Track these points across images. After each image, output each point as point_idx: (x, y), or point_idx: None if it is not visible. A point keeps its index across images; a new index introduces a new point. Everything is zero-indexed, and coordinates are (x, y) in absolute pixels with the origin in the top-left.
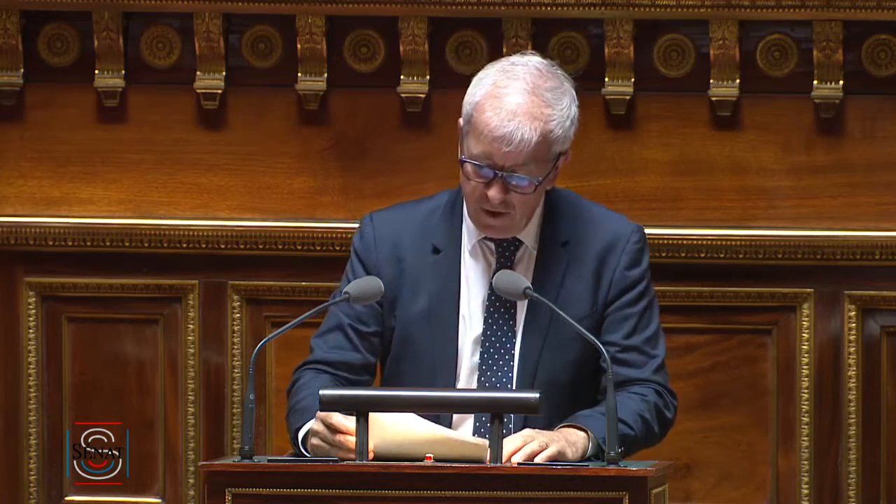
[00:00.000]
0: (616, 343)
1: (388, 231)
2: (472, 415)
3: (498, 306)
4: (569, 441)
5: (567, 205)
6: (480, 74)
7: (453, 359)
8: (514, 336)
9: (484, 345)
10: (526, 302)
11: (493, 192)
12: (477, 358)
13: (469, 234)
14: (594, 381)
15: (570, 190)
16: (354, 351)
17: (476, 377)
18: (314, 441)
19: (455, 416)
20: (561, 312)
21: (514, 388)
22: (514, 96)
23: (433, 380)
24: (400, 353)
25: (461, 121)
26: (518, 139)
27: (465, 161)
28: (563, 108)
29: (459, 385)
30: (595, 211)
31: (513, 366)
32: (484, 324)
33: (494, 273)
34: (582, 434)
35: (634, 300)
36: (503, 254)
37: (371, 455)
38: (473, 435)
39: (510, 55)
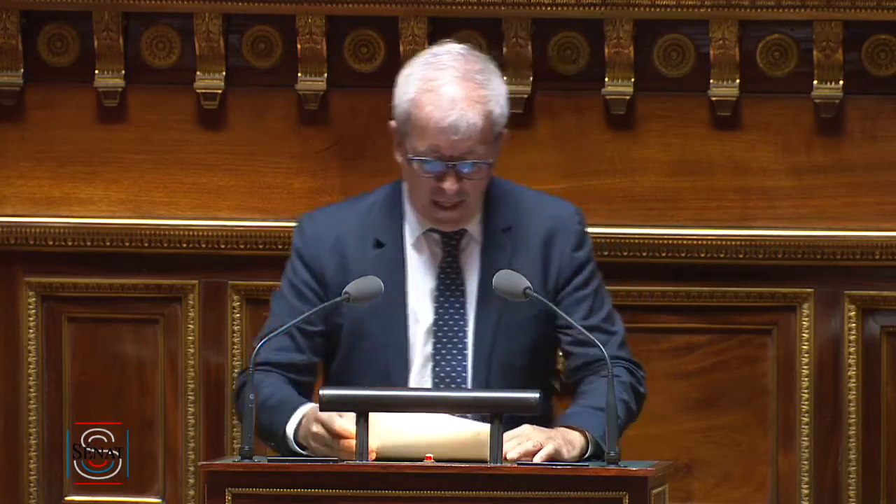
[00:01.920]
0: (576, 326)
1: (328, 228)
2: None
3: (448, 295)
4: (566, 440)
5: (505, 192)
6: (406, 72)
7: (405, 351)
8: (466, 324)
9: (436, 335)
10: (476, 290)
11: (449, 184)
12: (430, 348)
13: (411, 228)
14: (548, 364)
15: (502, 178)
16: (299, 352)
17: (430, 367)
18: (315, 445)
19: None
20: (558, 310)
21: (469, 377)
22: (449, 85)
23: (387, 373)
24: (349, 348)
25: (393, 123)
26: (465, 126)
27: (414, 159)
28: (496, 86)
29: (413, 376)
30: (533, 196)
31: (466, 354)
32: (435, 314)
33: (441, 263)
34: (578, 434)
35: (586, 281)
36: (449, 243)
37: (373, 455)
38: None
39: (431, 47)
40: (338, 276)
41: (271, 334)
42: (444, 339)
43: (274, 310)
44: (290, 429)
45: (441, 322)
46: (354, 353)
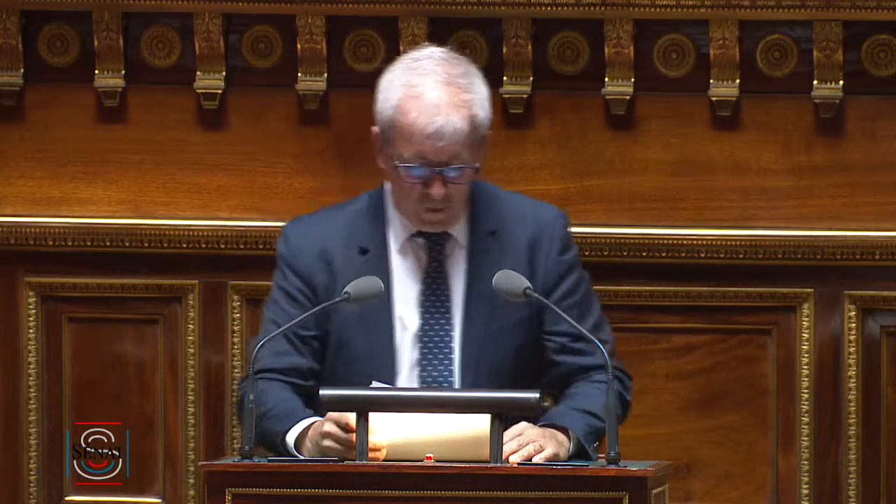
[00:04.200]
0: (566, 333)
1: (313, 236)
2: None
3: (433, 301)
4: (557, 441)
5: (488, 195)
6: (388, 77)
7: (391, 358)
8: (452, 329)
9: (423, 340)
10: (462, 294)
11: (435, 190)
12: (416, 353)
13: (396, 233)
14: (535, 367)
15: (485, 182)
16: (299, 356)
17: (417, 372)
18: (326, 443)
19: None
20: (560, 311)
21: (456, 380)
22: (432, 91)
23: (372, 379)
24: (336, 355)
25: (377, 129)
26: (451, 131)
27: (400, 166)
28: (479, 89)
29: (399, 382)
30: (516, 199)
31: (453, 358)
32: (420, 319)
33: (426, 268)
34: (563, 434)
35: (573, 288)
36: (434, 248)
37: (383, 453)
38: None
39: (409, 51)
40: (326, 283)
41: (268, 336)
42: (431, 345)
43: (268, 316)
44: (290, 437)
45: (427, 327)
46: (340, 360)
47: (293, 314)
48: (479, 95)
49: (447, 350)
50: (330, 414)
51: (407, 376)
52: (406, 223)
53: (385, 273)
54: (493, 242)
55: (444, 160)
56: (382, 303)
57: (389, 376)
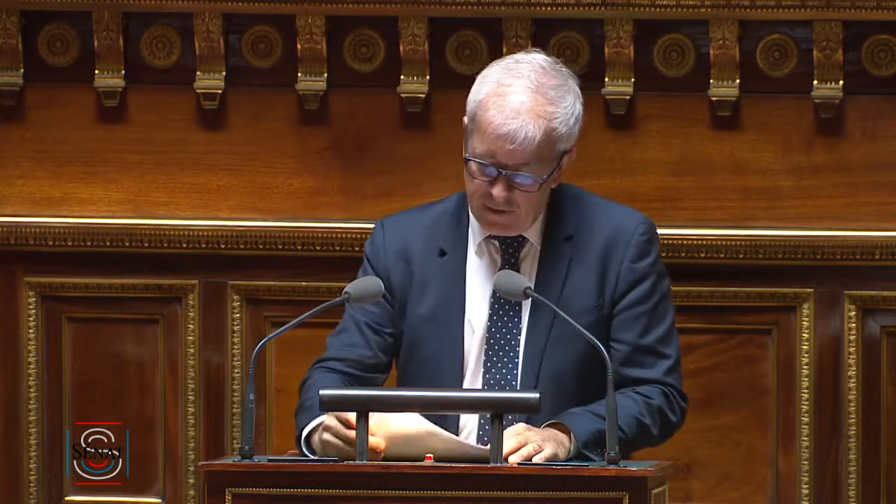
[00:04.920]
0: (628, 342)
1: (398, 235)
2: (477, 415)
3: (503, 303)
4: (557, 440)
5: (572, 199)
6: (485, 72)
7: (459, 360)
8: (519, 333)
9: (489, 342)
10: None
11: (497, 191)
12: (483, 356)
13: (474, 234)
14: (601, 375)
15: (576, 185)
16: (367, 348)
17: (482, 375)
18: (325, 436)
19: (462, 418)
20: (558, 310)
21: (518, 384)
22: (518, 94)
23: (441, 381)
24: (407, 357)
25: (465, 119)
26: (522, 137)
27: (469, 159)
28: (567, 105)
29: (465, 383)
30: (601, 204)
31: (517, 363)
32: (489, 321)
33: (498, 270)
34: (564, 435)
35: (645, 297)
36: (507, 251)
37: (382, 445)
38: (478, 441)
39: (514, 53)
40: (403, 283)
41: (269, 337)
42: (496, 346)
43: (347, 309)
44: (305, 431)
45: (494, 330)
46: (411, 361)
47: (370, 311)
48: (565, 111)
49: (512, 354)
50: (338, 413)
51: (471, 376)
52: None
53: (460, 275)
54: (569, 247)
55: (512, 164)
56: (455, 305)
57: (456, 379)
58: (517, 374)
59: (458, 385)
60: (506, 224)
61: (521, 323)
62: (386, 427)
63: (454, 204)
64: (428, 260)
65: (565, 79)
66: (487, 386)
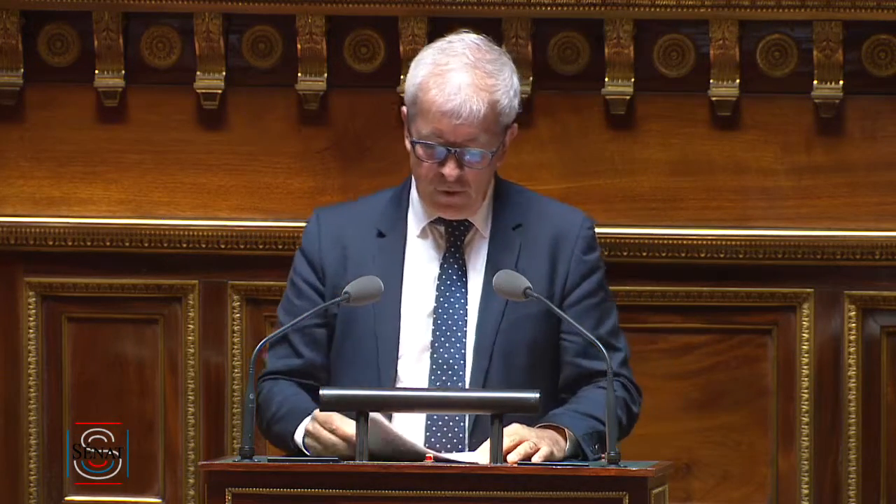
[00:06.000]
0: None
1: (332, 223)
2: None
3: (449, 284)
4: (553, 439)
5: (516, 193)
6: (419, 57)
7: (396, 337)
8: (467, 314)
9: (436, 322)
10: (481, 282)
11: (448, 170)
12: (429, 335)
13: (417, 218)
14: (550, 365)
15: (512, 181)
16: (296, 356)
17: (429, 354)
18: (308, 441)
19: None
20: (558, 311)
21: (467, 363)
22: (457, 71)
23: (375, 362)
24: (343, 337)
25: (404, 107)
26: (467, 111)
27: (416, 142)
28: (506, 78)
29: (410, 364)
30: (544, 200)
31: (466, 342)
32: (435, 301)
33: (444, 253)
34: (559, 435)
35: (594, 290)
36: (453, 234)
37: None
38: (426, 433)
39: (448, 35)
40: (337, 268)
41: (269, 337)
42: (444, 327)
43: (279, 311)
44: (297, 437)
45: (441, 310)
46: (347, 341)
47: (298, 308)
48: (504, 83)
49: (460, 333)
50: (317, 414)
51: (417, 357)
52: (427, 209)
53: (399, 256)
54: (517, 236)
55: (460, 141)
56: (393, 283)
57: (391, 359)
58: (466, 353)
59: (393, 367)
60: (459, 205)
61: (467, 304)
62: (337, 422)
63: (392, 193)
64: (366, 243)
65: (499, 54)
66: (436, 366)
